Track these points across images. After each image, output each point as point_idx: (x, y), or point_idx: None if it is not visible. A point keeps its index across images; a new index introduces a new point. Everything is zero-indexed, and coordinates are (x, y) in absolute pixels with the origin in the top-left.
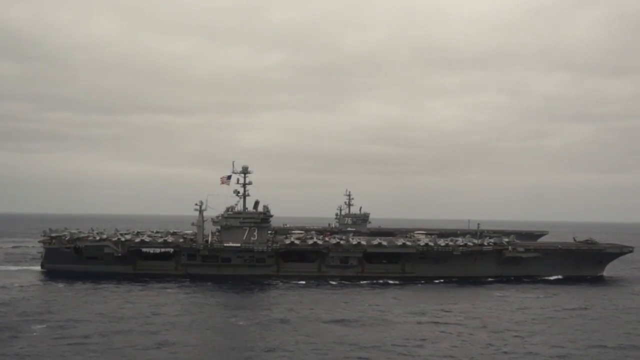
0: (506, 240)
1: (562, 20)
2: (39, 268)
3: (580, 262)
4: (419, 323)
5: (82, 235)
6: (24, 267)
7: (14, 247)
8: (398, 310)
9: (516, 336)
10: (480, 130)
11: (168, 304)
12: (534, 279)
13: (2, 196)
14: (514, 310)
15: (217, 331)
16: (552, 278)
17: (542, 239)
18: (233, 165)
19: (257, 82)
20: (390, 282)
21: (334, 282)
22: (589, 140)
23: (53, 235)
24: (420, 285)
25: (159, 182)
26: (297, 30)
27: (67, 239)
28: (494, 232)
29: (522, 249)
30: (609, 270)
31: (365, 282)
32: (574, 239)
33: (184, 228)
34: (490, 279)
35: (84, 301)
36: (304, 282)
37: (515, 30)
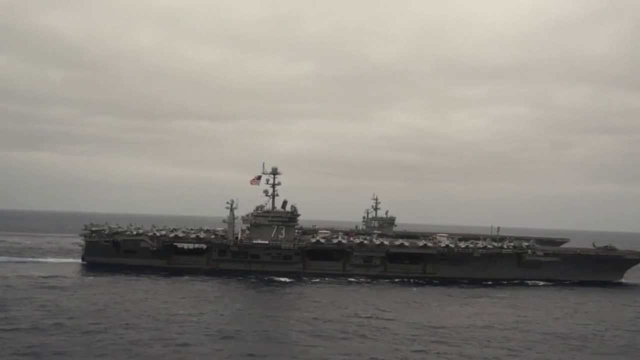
0: (526, 244)
1: (584, 34)
2: (80, 260)
3: (599, 267)
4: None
5: (120, 230)
6: (67, 260)
7: (58, 242)
8: (355, 307)
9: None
10: (504, 141)
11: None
12: (521, 284)
13: (52, 195)
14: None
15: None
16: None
17: (563, 247)
18: (263, 166)
19: (289, 91)
20: (409, 281)
21: (352, 279)
22: (612, 152)
23: (93, 229)
24: (417, 286)
25: (197, 184)
26: (327, 42)
27: (106, 233)
28: (516, 238)
29: (541, 253)
30: (628, 277)
31: (385, 280)
32: (593, 245)
33: (219, 227)
34: (505, 282)
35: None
36: (318, 280)
37: (538, 43)
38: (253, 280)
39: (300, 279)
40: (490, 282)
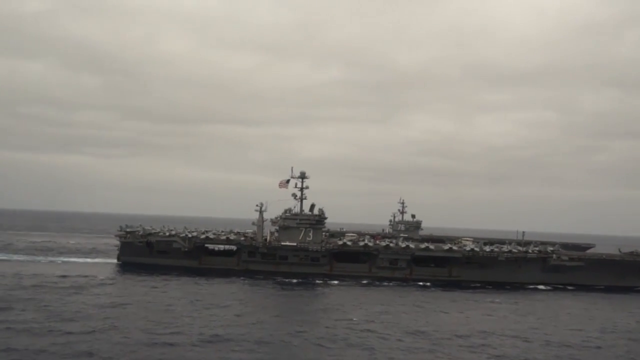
0: (551, 249)
1: (611, 38)
2: (115, 260)
3: (624, 273)
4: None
5: (153, 231)
6: (103, 260)
7: (94, 242)
8: (353, 309)
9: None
10: (530, 145)
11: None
12: (534, 289)
13: (87, 197)
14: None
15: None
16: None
17: (588, 252)
18: (292, 170)
19: (317, 96)
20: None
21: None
22: (639, 156)
23: (128, 230)
24: (423, 290)
25: (227, 187)
26: (354, 47)
27: (140, 234)
28: (541, 242)
29: (566, 258)
30: None
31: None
32: (619, 251)
33: (248, 229)
34: (529, 286)
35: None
36: (336, 282)
37: (564, 47)
38: (262, 281)
39: (307, 281)
40: (490, 286)
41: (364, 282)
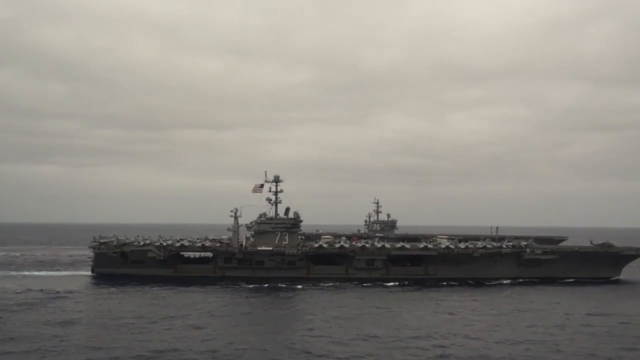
0: (524, 243)
1: (578, 33)
2: (89, 272)
3: (597, 264)
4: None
5: (128, 241)
6: (76, 272)
7: (68, 254)
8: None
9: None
10: (502, 142)
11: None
12: (500, 284)
13: (57, 208)
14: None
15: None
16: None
17: (561, 245)
18: (265, 174)
19: (288, 98)
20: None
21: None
22: (608, 149)
23: (102, 241)
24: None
25: (201, 193)
26: (323, 50)
27: (114, 244)
28: (515, 237)
29: (539, 252)
30: (627, 274)
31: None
32: (591, 242)
33: (224, 235)
34: (503, 282)
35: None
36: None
37: (532, 43)
38: (230, 287)
39: (282, 285)
40: (456, 282)
41: (330, 284)
